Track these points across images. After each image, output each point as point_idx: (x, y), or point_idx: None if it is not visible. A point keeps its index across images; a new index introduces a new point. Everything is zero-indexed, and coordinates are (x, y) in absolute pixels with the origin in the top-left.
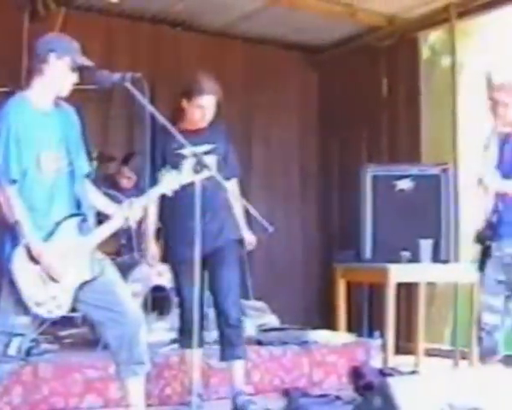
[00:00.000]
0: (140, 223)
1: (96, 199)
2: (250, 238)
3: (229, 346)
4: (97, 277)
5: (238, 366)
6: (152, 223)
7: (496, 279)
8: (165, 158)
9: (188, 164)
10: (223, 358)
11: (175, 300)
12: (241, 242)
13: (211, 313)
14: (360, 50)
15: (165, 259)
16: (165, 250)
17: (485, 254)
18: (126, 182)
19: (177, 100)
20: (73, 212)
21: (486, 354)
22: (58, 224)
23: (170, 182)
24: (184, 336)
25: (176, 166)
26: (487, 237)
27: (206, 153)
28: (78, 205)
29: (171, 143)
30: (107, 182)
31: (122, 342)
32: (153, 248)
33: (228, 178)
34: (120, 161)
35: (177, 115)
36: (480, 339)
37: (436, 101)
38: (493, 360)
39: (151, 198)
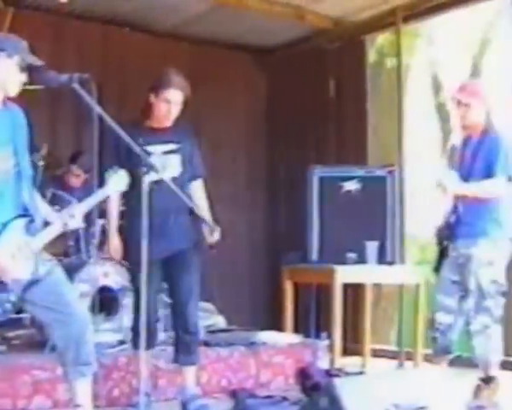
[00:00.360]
0: (88, 225)
1: (39, 206)
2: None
3: (185, 352)
4: (44, 277)
5: (191, 371)
6: (114, 218)
7: (450, 279)
8: (130, 155)
9: (154, 160)
10: (177, 361)
11: (123, 301)
12: (203, 245)
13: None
14: (308, 52)
15: (124, 257)
16: (124, 248)
17: (442, 255)
18: (75, 181)
19: (146, 95)
20: (20, 213)
21: (440, 354)
22: (5, 224)
23: (117, 183)
24: (139, 337)
25: (140, 162)
26: (445, 238)
27: (172, 152)
28: (25, 206)
29: (136, 139)
30: (56, 182)
31: (69, 343)
32: (115, 243)
33: (193, 179)
34: (68, 160)
35: (145, 111)
36: (434, 339)
37: (383, 103)
38: (446, 360)
39: (95, 202)
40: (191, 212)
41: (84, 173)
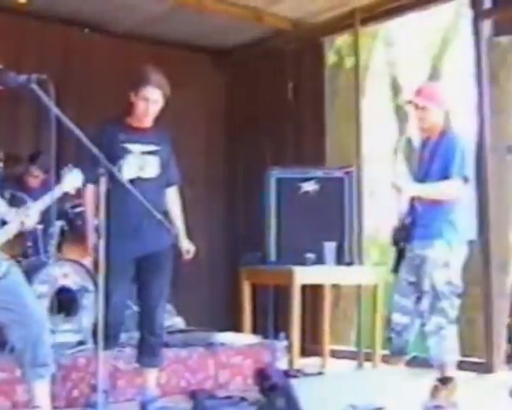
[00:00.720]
0: (46, 225)
1: None
2: (189, 247)
3: (149, 354)
4: (2, 278)
5: (153, 373)
6: (91, 215)
7: (407, 280)
8: (109, 152)
9: (132, 158)
10: (140, 363)
11: (83, 301)
12: (175, 249)
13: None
14: (266, 54)
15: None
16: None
17: (399, 256)
18: (34, 181)
19: (127, 94)
20: None
21: (396, 355)
22: None
23: (71, 180)
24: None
25: (119, 159)
26: (401, 239)
27: (151, 153)
28: None
29: (117, 136)
30: (15, 182)
31: (26, 344)
32: (90, 242)
33: (168, 185)
34: (27, 160)
35: (126, 110)
36: (389, 339)
37: (341, 104)
38: (402, 361)
39: (51, 200)
40: (166, 215)
41: (43, 174)
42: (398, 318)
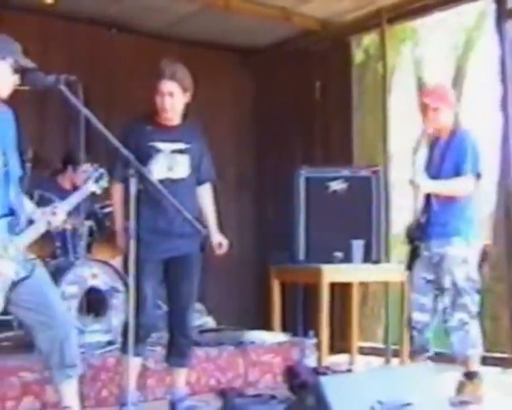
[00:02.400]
0: (75, 226)
1: (24, 205)
2: (220, 240)
3: (179, 354)
4: (28, 277)
5: (182, 373)
6: (120, 215)
7: (425, 279)
8: (137, 152)
9: (161, 158)
10: (169, 362)
11: (112, 301)
12: (207, 245)
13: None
14: (294, 53)
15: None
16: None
17: (413, 254)
18: (66, 182)
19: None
20: (5, 212)
21: (417, 352)
22: None
23: (97, 181)
24: (136, 343)
25: (148, 159)
26: (416, 238)
27: (180, 152)
28: (11, 206)
29: (145, 135)
30: (45, 183)
31: (53, 346)
32: (121, 243)
33: (201, 182)
34: (61, 162)
35: (154, 109)
36: (411, 337)
37: (368, 103)
38: (424, 358)
39: (77, 200)
40: (197, 216)
41: (74, 175)
42: (418, 316)
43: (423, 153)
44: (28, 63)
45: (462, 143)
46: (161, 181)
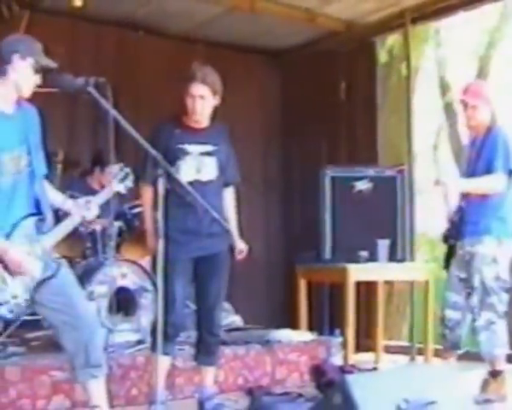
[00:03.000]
0: (104, 226)
1: (53, 196)
2: (242, 247)
3: (207, 353)
4: (52, 276)
5: (210, 371)
6: (149, 215)
7: (458, 277)
8: (166, 154)
9: (190, 160)
10: (197, 361)
11: (141, 301)
12: (232, 250)
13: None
14: (319, 54)
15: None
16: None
17: (449, 253)
18: (96, 183)
19: (182, 95)
20: (32, 211)
21: (450, 350)
22: (15, 224)
23: (123, 179)
24: (165, 342)
25: (177, 161)
26: (451, 237)
27: (208, 154)
28: (37, 204)
29: (173, 137)
30: (77, 184)
31: (78, 346)
32: (151, 243)
33: (226, 185)
34: (91, 162)
35: (182, 111)
36: (443, 335)
37: (392, 103)
38: (455, 355)
39: (106, 196)
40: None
41: (103, 175)
42: (450, 314)
43: (444, 150)
44: (50, 63)
45: (494, 140)
46: (190, 183)
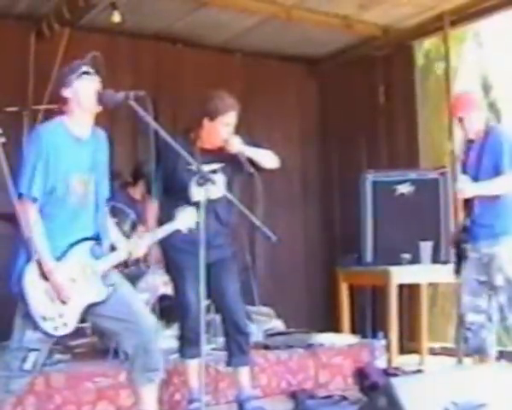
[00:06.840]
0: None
1: (109, 230)
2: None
3: (238, 352)
4: (110, 296)
5: (246, 372)
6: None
7: (478, 280)
8: (174, 173)
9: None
10: (231, 364)
11: None
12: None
13: (217, 319)
14: (357, 60)
15: (165, 267)
16: (166, 256)
17: (460, 257)
18: (137, 193)
19: (197, 119)
20: (90, 235)
21: (472, 354)
22: (72, 245)
23: (185, 218)
24: (189, 346)
25: (186, 182)
26: (462, 241)
27: (215, 172)
28: (96, 229)
29: (183, 159)
30: (119, 195)
31: (137, 351)
32: (155, 254)
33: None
34: (132, 173)
35: (196, 134)
36: (465, 339)
37: (432, 106)
38: (484, 358)
39: (162, 235)
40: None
41: (145, 186)
42: (473, 317)
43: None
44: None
45: (499, 141)
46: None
